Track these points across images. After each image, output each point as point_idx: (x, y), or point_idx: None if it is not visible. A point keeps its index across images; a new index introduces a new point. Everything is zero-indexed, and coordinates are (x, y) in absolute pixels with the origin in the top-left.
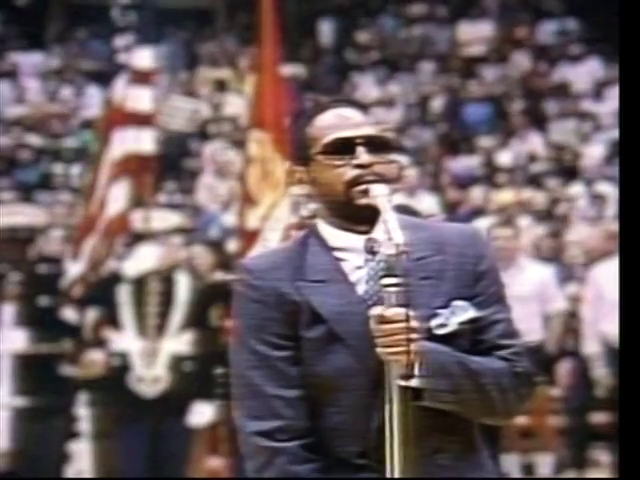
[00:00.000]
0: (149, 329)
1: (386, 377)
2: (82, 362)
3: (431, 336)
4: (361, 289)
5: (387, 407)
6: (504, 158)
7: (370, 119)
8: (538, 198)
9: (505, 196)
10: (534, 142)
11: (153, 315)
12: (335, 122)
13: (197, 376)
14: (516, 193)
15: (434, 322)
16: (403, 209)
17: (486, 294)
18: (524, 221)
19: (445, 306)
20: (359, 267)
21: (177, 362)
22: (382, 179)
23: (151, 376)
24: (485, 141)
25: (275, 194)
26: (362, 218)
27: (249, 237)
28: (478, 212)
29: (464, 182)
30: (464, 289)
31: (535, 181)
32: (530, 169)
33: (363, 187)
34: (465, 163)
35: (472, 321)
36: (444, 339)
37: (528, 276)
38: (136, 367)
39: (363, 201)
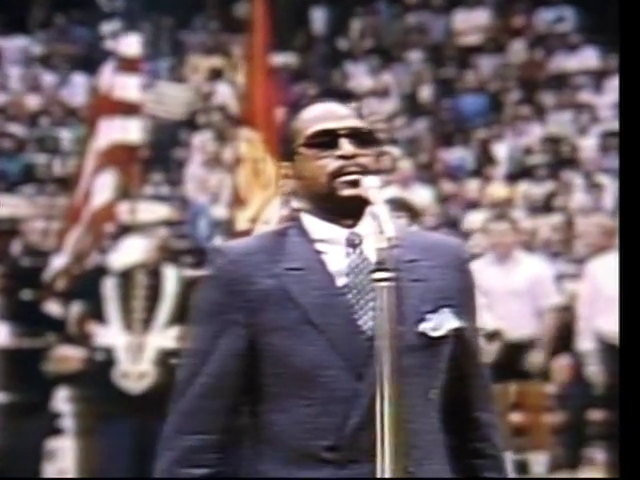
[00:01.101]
0: (135, 323)
1: (376, 374)
2: (54, 357)
3: (422, 339)
4: (341, 281)
5: (378, 403)
6: (499, 152)
7: (360, 110)
8: (534, 191)
9: (500, 189)
10: (530, 134)
11: (139, 309)
12: (319, 115)
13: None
14: (511, 186)
15: (427, 324)
16: (398, 202)
17: (466, 310)
18: (518, 214)
19: (434, 311)
20: (339, 260)
21: (164, 357)
22: (366, 171)
23: (137, 372)
24: (480, 132)
25: (265, 194)
26: (346, 211)
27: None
28: (472, 205)
29: (458, 174)
30: (448, 300)
31: (531, 173)
32: (526, 161)
33: (346, 178)
34: (459, 155)
35: (456, 330)
36: (429, 344)
37: (523, 270)
38: (121, 362)
39: (346, 192)
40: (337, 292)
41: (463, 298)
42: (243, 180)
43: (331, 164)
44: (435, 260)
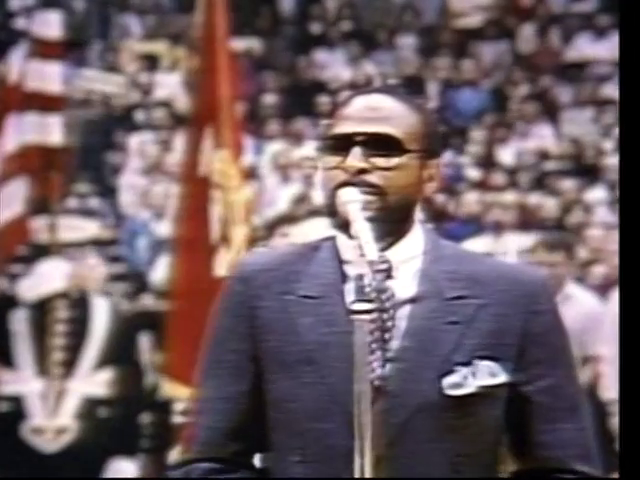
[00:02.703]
0: (53, 366)
1: (355, 427)
2: None
3: (443, 396)
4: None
5: (356, 463)
6: (505, 155)
7: (421, 109)
8: (548, 205)
9: (506, 202)
10: (543, 136)
11: (59, 349)
12: (349, 111)
13: (116, 426)
14: (520, 198)
15: (448, 379)
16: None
17: (533, 358)
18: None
19: (468, 362)
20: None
21: (90, 408)
22: (377, 191)
23: (54, 426)
24: (481, 134)
25: (246, 229)
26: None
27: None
28: (472, 222)
29: (455, 185)
30: (500, 346)
31: (544, 184)
32: (538, 169)
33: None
34: (456, 162)
35: (499, 387)
36: (455, 403)
37: (575, 308)
38: (34, 415)
39: (344, 217)
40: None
41: (528, 346)
42: (222, 211)
43: (337, 177)
44: (490, 297)
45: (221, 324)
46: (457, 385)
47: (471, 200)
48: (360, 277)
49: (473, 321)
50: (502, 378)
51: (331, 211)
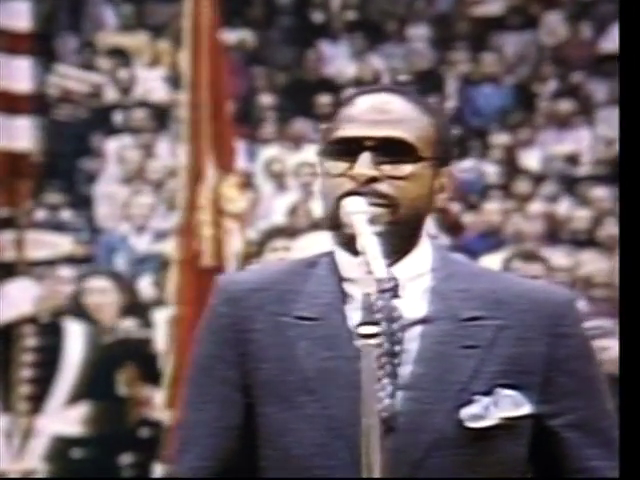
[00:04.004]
0: (19, 401)
1: (363, 466)
2: None
3: (462, 430)
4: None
5: None
6: (530, 160)
7: (419, 113)
8: (578, 216)
9: (530, 212)
10: (574, 138)
11: (26, 381)
12: (356, 112)
13: (91, 469)
14: (547, 208)
15: (466, 410)
16: None
17: (560, 387)
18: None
19: (488, 391)
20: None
21: (61, 448)
22: (387, 203)
23: (20, 469)
24: (503, 137)
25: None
26: (354, 247)
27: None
28: (492, 235)
29: (473, 194)
30: (523, 374)
31: (575, 192)
32: (568, 175)
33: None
34: (475, 167)
35: (522, 419)
36: (475, 437)
37: None
38: None
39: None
40: (351, 355)
41: (554, 374)
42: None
43: (343, 186)
44: (509, 318)
45: (206, 350)
46: (478, 417)
47: (491, 210)
48: (367, 297)
49: (492, 345)
50: (526, 409)
51: (333, 224)
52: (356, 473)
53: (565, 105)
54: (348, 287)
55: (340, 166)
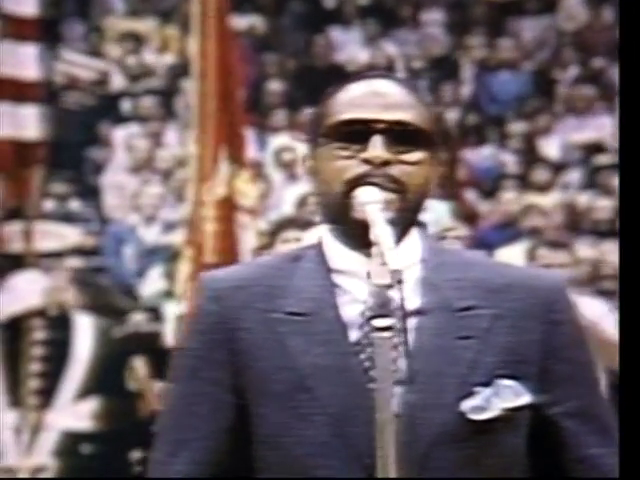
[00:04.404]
0: (28, 396)
1: (378, 465)
2: None
3: (465, 423)
4: (354, 334)
5: None
6: (550, 149)
7: (412, 98)
8: (600, 206)
9: (549, 203)
10: (596, 126)
11: (35, 375)
12: (357, 96)
13: (102, 465)
14: (567, 199)
15: (470, 402)
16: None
17: (557, 375)
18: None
19: (487, 382)
20: (359, 302)
21: (71, 444)
22: (399, 188)
23: (29, 466)
24: (521, 125)
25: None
26: (365, 237)
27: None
28: (509, 226)
29: (490, 183)
30: (520, 364)
31: (597, 181)
32: (589, 164)
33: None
34: (491, 156)
35: (522, 410)
36: (477, 430)
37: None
38: (5, 453)
39: (362, 215)
40: (347, 350)
41: (550, 362)
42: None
43: (352, 169)
44: (503, 307)
45: (193, 351)
46: (480, 409)
47: (508, 200)
48: (381, 289)
49: (489, 335)
50: (527, 399)
51: (338, 209)
52: (357, 471)
53: (586, 91)
54: (338, 279)
55: (350, 148)
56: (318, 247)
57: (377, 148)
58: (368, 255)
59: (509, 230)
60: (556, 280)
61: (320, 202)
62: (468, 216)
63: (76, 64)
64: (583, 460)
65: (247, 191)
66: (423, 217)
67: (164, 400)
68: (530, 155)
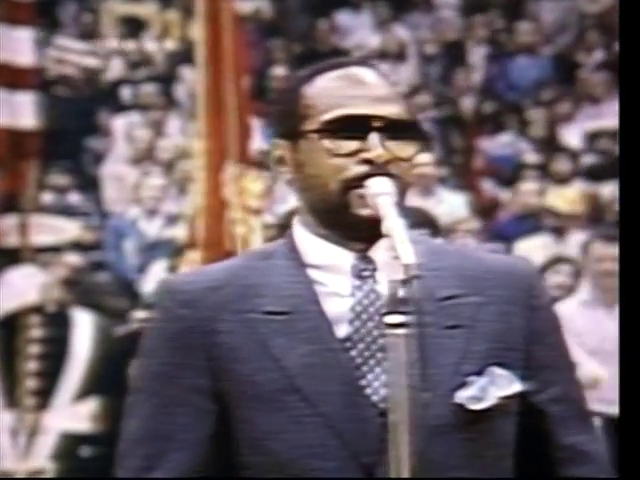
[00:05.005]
0: (25, 396)
1: (391, 464)
2: None
3: (461, 413)
4: (342, 330)
5: None
6: (571, 137)
7: (395, 89)
8: None
9: (572, 195)
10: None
11: (33, 375)
12: (345, 88)
13: (101, 468)
14: (589, 189)
15: (465, 393)
16: (414, 214)
17: (541, 361)
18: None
19: (479, 371)
20: (342, 297)
21: (70, 446)
22: (395, 184)
23: (26, 469)
24: (539, 113)
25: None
26: (359, 232)
27: None
28: (529, 217)
29: (508, 173)
30: (507, 351)
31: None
32: (612, 153)
33: (369, 192)
34: (509, 145)
35: (512, 398)
36: (472, 421)
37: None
38: (2, 456)
39: (364, 212)
40: (336, 347)
41: (533, 348)
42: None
43: (350, 167)
44: (486, 294)
45: (165, 358)
46: (476, 399)
47: (527, 191)
48: (393, 284)
49: (475, 323)
50: (519, 386)
51: (333, 208)
52: (355, 472)
53: (609, 77)
54: (315, 274)
55: (349, 146)
56: (289, 243)
57: (377, 147)
58: (352, 249)
59: (529, 222)
60: (531, 266)
61: (306, 197)
62: (485, 208)
63: (72, 50)
64: (570, 446)
65: (254, 191)
66: (437, 210)
67: (130, 413)
68: (550, 144)
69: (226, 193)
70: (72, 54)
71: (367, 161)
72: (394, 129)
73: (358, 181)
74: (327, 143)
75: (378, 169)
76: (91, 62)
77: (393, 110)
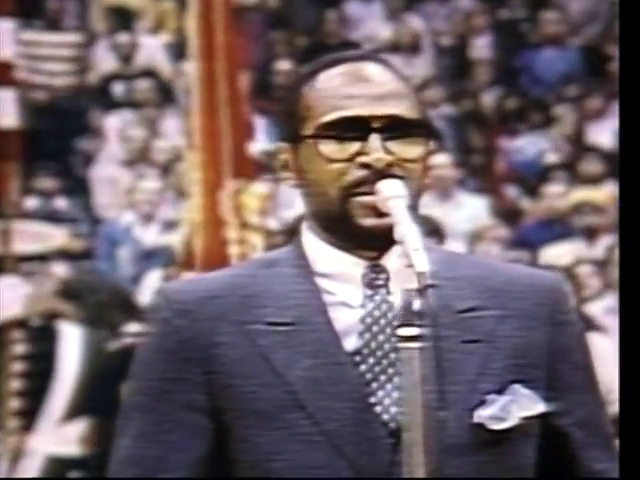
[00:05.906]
0: (8, 418)
1: None
2: None
3: (480, 433)
4: (351, 343)
5: None
6: (600, 135)
7: (403, 84)
8: None
9: (599, 197)
10: None
11: (16, 395)
12: (344, 87)
13: None
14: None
15: (485, 412)
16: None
17: (566, 381)
18: None
19: (499, 389)
20: (352, 308)
21: (57, 471)
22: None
23: None
24: (566, 109)
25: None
26: (366, 240)
27: None
28: (556, 223)
29: (533, 175)
30: (529, 368)
31: None
32: None
33: (370, 200)
34: (533, 144)
35: (533, 419)
36: (490, 441)
37: None
38: None
39: (367, 222)
40: (344, 361)
41: (558, 367)
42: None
43: (350, 172)
44: (507, 308)
45: (160, 372)
46: (498, 418)
47: (554, 194)
48: (406, 294)
49: (494, 338)
50: (542, 407)
51: (335, 216)
52: None
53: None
54: (325, 284)
55: (347, 149)
56: (297, 250)
57: (378, 150)
58: (363, 257)
59: (556, 227)
60: (557, 279)
61: (309, 204)
62: (508, 212)
63: (58, 43)
64: (597, 473)
65: (253, 207)
66: (456, 215)
67: (121, 431)
68: (579, 143)
69: (223, 212)
70: (42, 49)
71: (366, 165)
72: (397, 128)
73: (358, 187)
74: (323, 148)
75: (378, 173)
76: (68, 54)
77: (396, 108)
